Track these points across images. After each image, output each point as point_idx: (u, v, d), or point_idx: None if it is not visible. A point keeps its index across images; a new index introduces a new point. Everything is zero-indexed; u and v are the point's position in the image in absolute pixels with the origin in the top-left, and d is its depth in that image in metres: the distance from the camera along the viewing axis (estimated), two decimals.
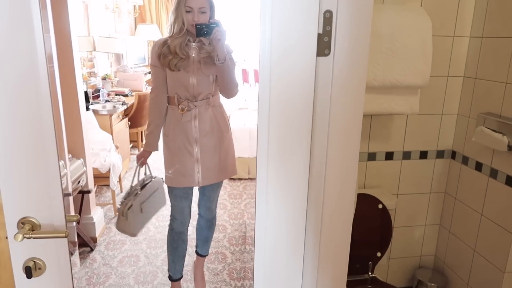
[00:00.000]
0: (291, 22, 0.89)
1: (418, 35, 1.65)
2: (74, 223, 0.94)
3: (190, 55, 1.89)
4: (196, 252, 2.37)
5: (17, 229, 0.90)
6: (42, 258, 0.93)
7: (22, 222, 0.90)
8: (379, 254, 1.84)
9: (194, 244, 2.42)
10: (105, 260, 2.61)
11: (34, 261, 0.92)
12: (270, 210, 1.03)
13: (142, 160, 2.11)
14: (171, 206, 2.14)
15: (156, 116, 2.01)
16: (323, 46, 0.92)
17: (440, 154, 2.00)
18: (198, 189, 2.19)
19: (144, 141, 2.15)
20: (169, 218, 2.18)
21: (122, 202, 2.09)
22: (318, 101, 0.96)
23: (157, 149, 2.10)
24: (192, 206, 2.18)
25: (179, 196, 2.09)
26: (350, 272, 1.82)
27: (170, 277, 2.25)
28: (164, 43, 1.91)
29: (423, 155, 1.99)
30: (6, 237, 0.92)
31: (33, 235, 0.88)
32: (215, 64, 1.89)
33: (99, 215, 2.85)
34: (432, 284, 2.06)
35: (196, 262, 2.38)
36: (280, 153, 0.99)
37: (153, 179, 2.20)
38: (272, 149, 0.97)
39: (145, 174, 2.17)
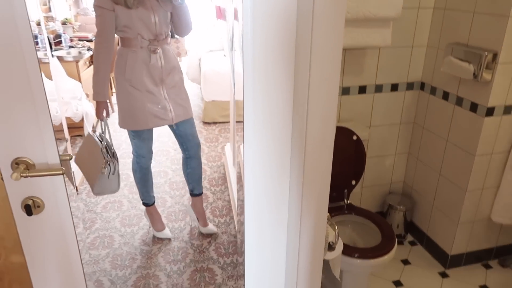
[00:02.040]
0: None
1: None
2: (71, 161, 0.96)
3: None
4: (193, 194, 2.41)
5: (11, 169, 0.92)
6: (40, 196, 0.96)
7: (16, 163, 0.91)
8: (353, 182, 1.97)
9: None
10: (88, 207, 2.65)
11: (32, 200, 0.95)
12: (257, 146, 1.08)
13: (102, 112, 2.03)
14: (137, 147, 2.16)
15: (105, 62, 1.91)
16: None
17: (410, 86, 2.09)
18: (177, 131, 2.20)
19: (93, 92, 1.99)
20: (135, 158, 2.22)
21: (108, 162, 1.99)
22: (300, 36, 0.98)
23: (108, 98, 2.03)
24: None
25: (147, 137, 2.15)
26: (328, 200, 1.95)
27: (145, 204, 2.36)
28: None
29: (394, 87, 2.07)
30: (1, 178, 0.93)
31: (29, 174, 0.90)
32: (170, 1, 1.85)
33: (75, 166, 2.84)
34: (401, 207, 2.24)
35: (194, 202, 2.42)
36: (265, 89, 1.02)
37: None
38: (257, 87, 1.00)
39: (106, 132, 2.08)
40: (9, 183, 0.93)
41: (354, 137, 1.91)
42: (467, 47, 1.73)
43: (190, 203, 2.44)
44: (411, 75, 2.07)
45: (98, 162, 1.99)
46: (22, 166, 0.90)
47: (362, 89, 2.04)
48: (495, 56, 1.62)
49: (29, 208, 0.94)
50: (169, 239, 2.34)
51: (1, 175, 0.93)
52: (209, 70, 3.77)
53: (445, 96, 1.93)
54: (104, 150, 2.00)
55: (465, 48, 1.73)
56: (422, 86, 2.08)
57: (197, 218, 2.42)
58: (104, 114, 2.03)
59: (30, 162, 0.92)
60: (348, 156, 1.93)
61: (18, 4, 0.84)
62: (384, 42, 1.79)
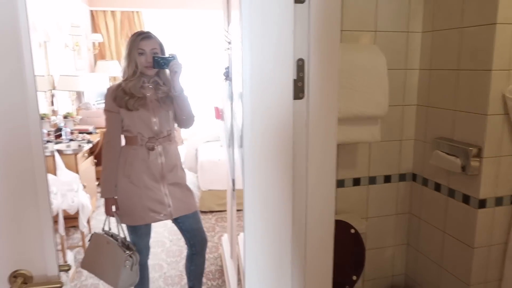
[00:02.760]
0: (269, 71, 0.98)
1: (375, 70, 1.80)
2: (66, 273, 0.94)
3: (146, 95, 1.97)
4: None
5: (9, 284, 0.90)
6: None
7: (14, 276, 0.90)
8: (354, 277, 1.92)
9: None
10: None
11: None
12: (257, 241, 1.09)
13: (111, 208, 2.06)
14: (135, 243, 2.13)
15: (112, 160, 2.01)
16: (298, 90, 1.02)
17: (402, 177, 2.15)
18: (182, 226, 2.19)
19: (100, 189, 2.06)
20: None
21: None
22: (296, 137, 1.06)
23: (115, 195, 2.05)
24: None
25: (144, 233, 2.15)
26: None
27: None
28: (118, 86, 1.99)
29: (387, 179, 2.13)
30: None
31: None
32: (172, 102, 1.98)
33: (70, 259, 2.77)
34: None
35: None
36: (264, 186, 1.06)
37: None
38: (257, 182, 1.05)
39: (103, 228, 2.10)
40: None
41: (352, 231, 1.91)
42: (453, 142, 1.83)
43: None
44: (402, 167, 2.14)
45: (117, 258, 1.97)
46: (20, 280, 0.89)
47: (357, 181, 2.08)
48: (480, 150, 1.70)
49: None
50: None
51: None
52: (206, 160, 3.86)
53: (437, 187, 1.98)
54: (121, 243, 2.01)
55: (450, 143, 1.83)
56: (414, 177, 2.14)
57: None
58: (114, 209, 2.06)
59: (28, 274, 0.91)
60: (347, 250, 1.91)
61: (31, 103, 0.90)
62: (374, 138, 1.88)
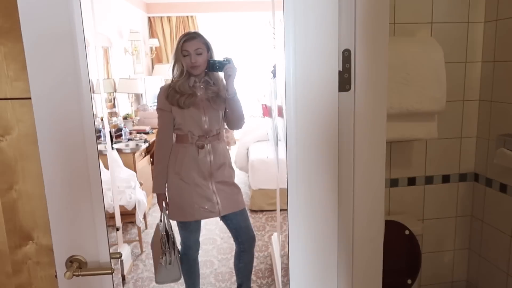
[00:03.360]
0: (313, 62, 0.96)
1: (431, 64, 1.70)
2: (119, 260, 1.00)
3: (196, 93, 2.01)
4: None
5: (65, 268, 0.96)
6: None
7: (71, 261, 0.96)
8: (409, 281, 1.83)
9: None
10: None
11: None
12: (301, 240, 1.07)
13: (163, 203, 2.14)
14: (185, 238, 2.20)
15: (163, 157, 2.08)
16: (344, 82, 0.99)
17: (462, 177, 2.01)
18: (230, 224, 2.23)
19: (153, 184, 2.15)
20: (182, 249, 2.25)
21: (164, 252, 2.05)
22: (342, 132, 1.02)
23: (165, 191, 2.13)
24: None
25: (194, 229, 2.20)
26: None
27: None
28: (169, 86, 2.05)
29: (446, 179, 2.00)
30: (55, 276, 0.97)
31: (81, 273, 0.93)
32: (223, 101, 2.02)
33: (127, 253, 2.90)
34: None
35: None
36: (309, 183, 1.03)
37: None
38: (301, 179, 1.03)
39: (164, 221, 2.18)
40: (62, 282, 0.97)
41: (406, 232, 1.81)
42: None
43: None
44: (462, 166, 2.00)
45: (158, 252, 2.08)
46: (75, 265, 0.95)
47: (412, 181, 1.98)
48: None
49: None
50: None
51: (56, 272, 0.98)
52: (256, 159, 3.88)
53: (503, 188, 1.83)
54: (164, 239, 2.08)
55: None
56: (476, 177, 1.99)
57: None
58: (164, 205, 2.14)
59: (83, 260, 0.96)
60: (401, 252, 1.82)
61: (86, 105, 0.95)
62: (430, 135, 1.78)
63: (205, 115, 2.03)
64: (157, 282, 2.14)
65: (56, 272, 0.97)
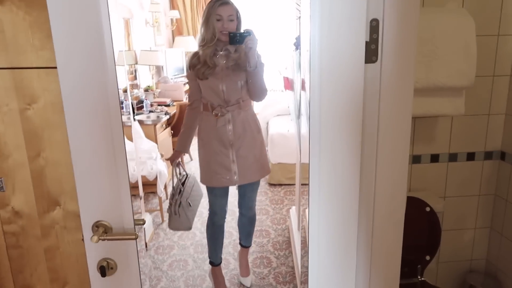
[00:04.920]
0: (339, 32, 0.93)
1: (461, 36, 1.63)
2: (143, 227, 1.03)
3: (217, 64, 2.02)
4: (240, 244, 2.55)
5: (92, 232, 1.00)
6: (114, 258, 1.02)
7: (96, 226, 0.99)
8: (428, 257, 1.83)
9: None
10: (155, 264, 2.73)
11: (107, 261, 1.01)
12: (322, 214, 1.07)
13: (175, 161, 2.26)
14: (211, 203, 2.31)
15: (190, 120, 2.17)
16: (371, 53, 0.96)
17: (488, 156, 1.96)
18: (238, 190, 2.32)
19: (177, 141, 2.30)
20: (209, 214, 2.35)
21: (170, 203, 2.27)
22: (367, 105, 1.00)
23: (187, 151, 2.26)
24: (230, 202, 2.37)
25: (219, 194, 2.26)
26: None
27: (211, 263, 2.43)
28: (195, 54, 2.07)
29: (470, 156, 1.95)
30: (82, 240, 1.01)
31: (106, 237, 0.97)
32: (243, 71, 2.02)
33: (148, 221, 2.99)
34: None
35: (240, 252, 2.56)
36: (331, 157, 1.02)
37: (189, 176, 2.36)
38: (323, 153, 1.02)
39: (179, 173, 2.32)
40: (89, 245, 1.00)
41: (427, 209, 1.80)
42: None
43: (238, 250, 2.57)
44: (489, 144, 1.94)
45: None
46: (101, 229, 0.98)
47: (435, 158, 1.95)
48: None
49: (104, 270, 1.00)
50: None
51: (82, 236, 1.02)
52: (275, 133, 3.87)
53: None
54: (172, 192, 2.27)
55: None
56: (503, 155, 1.94)
57: (239, 267, 2.52)
58: (175, 163, 2.27)
59: (108, 225, 0.99)
60: (421, 228, 1.81)
61: (110, 74, 0.96)
62: (457, 111, 1.72)
63: (224, 84, 2.04)
64: (169, 227, 2.36)
65: (82, 236, 1.01)
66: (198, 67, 2.01)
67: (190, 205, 2.28)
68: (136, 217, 1.03)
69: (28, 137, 1.51)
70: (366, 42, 0.95)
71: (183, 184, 2.29)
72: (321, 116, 0.99)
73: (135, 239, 0.97)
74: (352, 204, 1.07)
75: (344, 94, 0.97)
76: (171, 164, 2.27)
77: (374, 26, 0.94)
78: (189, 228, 2.33)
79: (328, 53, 0.94)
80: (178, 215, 2.23)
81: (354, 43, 0.93)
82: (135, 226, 1.01)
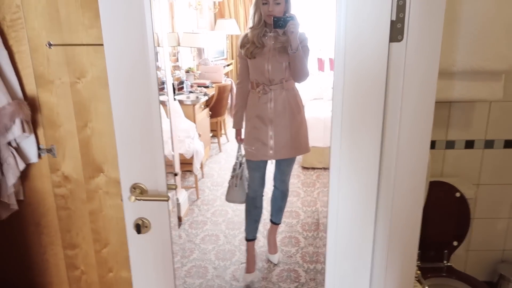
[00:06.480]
0: (365, 10, 0.96)
1: (503, 18, 1.58)
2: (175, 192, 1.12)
3: (265, 45, 2.12)
4: (271, 220, 2.65)
5: (129, 192, 1.10)
6: (148, 218, 1.12)
7: (134, 187, 1.09)
8: (455, 243, 1.82)
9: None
10: (189, 237, 2.88)
11: (142, 220, 1.11)
12: (342, 194, 1.11)
13: (238, 137, 2.41)
14: (249, 177, 2.43)
15: (240, 99, 2.31)
16: (396, 32, 0.98)
17: None
18: (275, 164, 2.42)
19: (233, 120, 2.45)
20: (247, 188, 2.48)
21: (232, 176, 2.44)
22: (390, 86, 1.02)
23: (242, 127, 2.38)
24: (266, 178, 2.47)
25: (253, 167, 2.39)
26: (425, 259, 1.83)
27: (245, 237, 2.54)
28: (246, 35, 2.18)
29: (508, 144, 1.90)
30: (121, 200, 1.12)
31: (142, 198, 1.07)
32: (288, 53, 2.08)
33: (184, 197, 3.14)
34: None
35: (270, 229, 2.66)
36: (353, 137, 1.06)
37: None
38: (345, 133, 1.05)
39: (239, 152, 2.46)
40: (127, 205, 1.11)
41: (457, 194, 1.78)
42: None
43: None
44: None
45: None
46: (138, 191, 1.08)
47: (470, 144, 1.91)
48: None
49: (139, 227, 1.10)
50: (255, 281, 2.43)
51: (122, 197, 1.12)
52: (310, 117, 3.88)
53: None
54: (236, 166, 2.43)
55: None
56: None
57: (268, 244, 2.62)
58: (238, 139, 2.43)
59: (144, 187, 1.09)
60: (450, 214, 1.80)
61: (151, 57, 1.05)
62: (494, 96, 1.68)
63: (269, 64, 2.14)
64: (226, 200, 2.52)
65: (121, 197, 1.12)
66: (247, 46, 2.13)
67: (246, 180, 2.45)
68: (172, 195, 1.12)
69: (77, 109, 1.65)
70: (392, 21, 0.97)
71: (243, 160, 2.45)
72: (344, 94, 1.03)
73: (167, 200, 1.07)
74: (371, 186, 1.10)
75: (368, 73, 1.00)
76: (236, 140, 2.43)
77: (401, 5, 0.96)
78: (243, 202, 2.48)
79: (353, 32, 0.97)
80: (238, 187, 2.40)
81: (380, 21, 0.96)
82: (168, 190, 1.10)
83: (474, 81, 1.68)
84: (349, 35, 0.97)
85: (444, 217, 1.79)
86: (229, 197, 2.48)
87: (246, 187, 2.45)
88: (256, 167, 2.37)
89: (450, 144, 1.91)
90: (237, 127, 2.39)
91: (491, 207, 2.00)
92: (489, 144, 1.90)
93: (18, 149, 1.64)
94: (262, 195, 2.48)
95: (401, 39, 0.98)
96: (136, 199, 1.06)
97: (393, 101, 1.04)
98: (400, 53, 0.99)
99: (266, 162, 2.38)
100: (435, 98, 1.04)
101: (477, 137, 1.90)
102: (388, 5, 0.95)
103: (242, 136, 2.39)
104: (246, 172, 2.43)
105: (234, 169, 2.45)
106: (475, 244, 2.05)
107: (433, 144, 1.90)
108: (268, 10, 2.04)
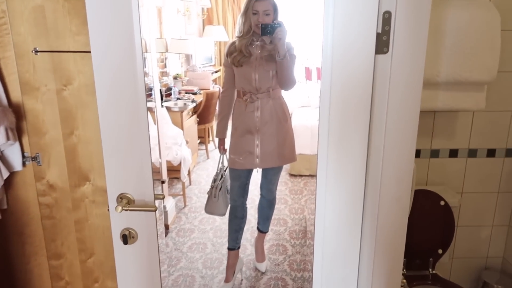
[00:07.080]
0: (351, 23, 0.98)
1: (486, 30, 1.62)
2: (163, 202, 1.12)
3: (252, 53, 2.13)
4: (258, 228, 2.63)
5: (116, 203, 1.09)
6: (135, 228, 1.11)
7: (120, 197, 1.08)
8: (440, 251, 1.84)
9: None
10: (176, 245, 2.85)
11: (129, 231, 1.10)
12: (329, 202, 1.12)
13: (221, 147, 2.38)
14: (231, 186, 2.40)
15: (224, 108, 2.29)
16: (382, 44, 1.00)
17: (510, 153, 1.94)
18: (261, 173, 2.41)
19: (216, 130, 2.43)
20: (229, 197, 2.45)
21: (212, 186, 2.39)
22: (376, 96, 1.04)
23: (225, 136, 2.36)
24: (254, 187, 2.45)
25: (234, 177, 2.37)
26: (410, 267, 1.85)
27: (227, 246, 2.51)
28: (233, 43, 2.18)
29: (491, 153, 1.94)
30: (108, 210, 1.11)
31: (129, 208, 1.06)
32: (275, 61, 2.10)
33: (171, 205, 3.11)
34: (499, 287, 2.00)
35: (257, 237, 2.64)
36: (339, 146, 1.07)
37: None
38: (332, 141, 1.07)
39: (222, 162, 2.43)
40: (113, 215, 1.10)
41: (442, 203, 1.81)
42: None
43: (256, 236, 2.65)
44: (510, 141, 1.92)
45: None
46: (125, 201, 1.07)
47: (454, 153, 1.95)
48: None
49: (126, 238, 1.09)
50: None
51: (108, 207, 1.11)
52: (298, 124, 3.91)
53: None
54: (216, 177, 2.39)
55: None
56: None
57: (255, 252, 2.60)
58: (222, 149, 2.40)
59: (131, 197, 1.09)
60: (435, 222, 1.83)
61: (138, 64, 1.05)
62: (477, 106, 1.72)
63: (256, 73, 2.14)
64: (205, 211, 2.46)
65: (108, 207, 1.11)
66: (234, 54, 2.13)
67: (227, 192, 2.41)
68: (159, 200, 1.11)
69: (63, 116, 1.63)
70: (378, 34, 0.99)
71: (225, 171, 2.41)
72: (330, 106, 1.04)
73: (155, 210, 1.06)
74: (357, 195, 1.12)
75: (354, 84, 1.02)
76: (219, 150, 2.40)
77: (386, 18, 0.98)
78: (223, 214, 2.43)
79: (340, 43, 0.98)
80: (217, 199, 2.35)
81: (366, 34, 0.98)
82: (155, 200, 1.10)
83: (457, 91, 1.72)
84: (336, 47, 0.99)
85: (429, 225, 1.82)
86: (208, 209, 2.44)
87: (229, 199, 2.42)
88: (237, 177, 2.35)
89: (434, 153, 1.94)
90: (221, 136, 2.36)
91: (475, 215, 2.03)
92: (472, 153, 1.94)
93: (2, 157, 1.61)
94: (244, 205, 2.45)
95: (387, 51, 1.00)
96: (123, 209, 1.05)
97: (379, 110, 1.06)
98: (385, 64, 1.01)
99: (249, 171, 2.36)
100: (419, 108, 1.07)
101: (461, 146, 1.94)
102: (374, 18, 0.97)
103: (226, 146, 2.36)
104: (228, 183, 2.40)
105: (214, 180, 2.41)
106: (460, 252, 2.08)
107: (418, 153, 1.93)
108: (258, 20, 2.06)
